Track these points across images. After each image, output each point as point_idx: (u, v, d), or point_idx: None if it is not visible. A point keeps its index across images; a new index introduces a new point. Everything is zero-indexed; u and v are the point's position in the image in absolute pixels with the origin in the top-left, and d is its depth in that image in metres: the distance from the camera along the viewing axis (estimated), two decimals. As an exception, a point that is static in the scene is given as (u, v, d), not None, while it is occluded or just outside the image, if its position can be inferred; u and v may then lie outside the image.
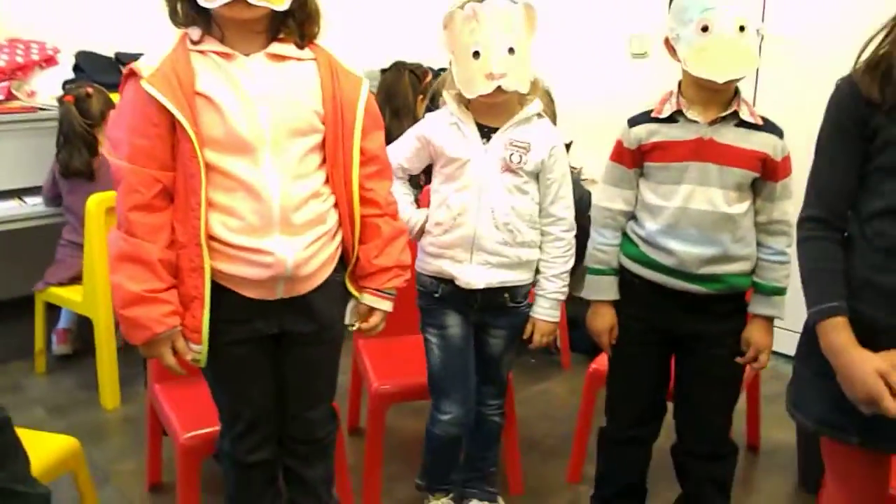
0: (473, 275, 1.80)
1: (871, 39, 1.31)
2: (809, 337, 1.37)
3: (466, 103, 1.79)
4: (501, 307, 1.86)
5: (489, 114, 1.78)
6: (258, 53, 1.47)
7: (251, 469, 1.68)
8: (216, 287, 1.48)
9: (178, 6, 1.44)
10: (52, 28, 3.30)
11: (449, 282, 1.84)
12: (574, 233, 1.90)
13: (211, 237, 1.46)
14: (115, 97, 3.17)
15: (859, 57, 1.32)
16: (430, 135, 1.83)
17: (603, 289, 1.84)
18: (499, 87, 1.67)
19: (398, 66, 3.17)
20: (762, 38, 1.63)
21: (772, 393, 2.52)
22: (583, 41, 3.65)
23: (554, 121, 2.99)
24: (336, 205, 1.57)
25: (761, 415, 2.50)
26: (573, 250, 1.90)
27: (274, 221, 1.46)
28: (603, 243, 1.82)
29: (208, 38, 1.46)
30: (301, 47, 1.51)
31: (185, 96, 1.41)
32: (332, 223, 1.57)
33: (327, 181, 1.55)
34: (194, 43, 1.45)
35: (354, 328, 1.68)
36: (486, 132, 1.79)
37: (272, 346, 1.61)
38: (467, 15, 1.69)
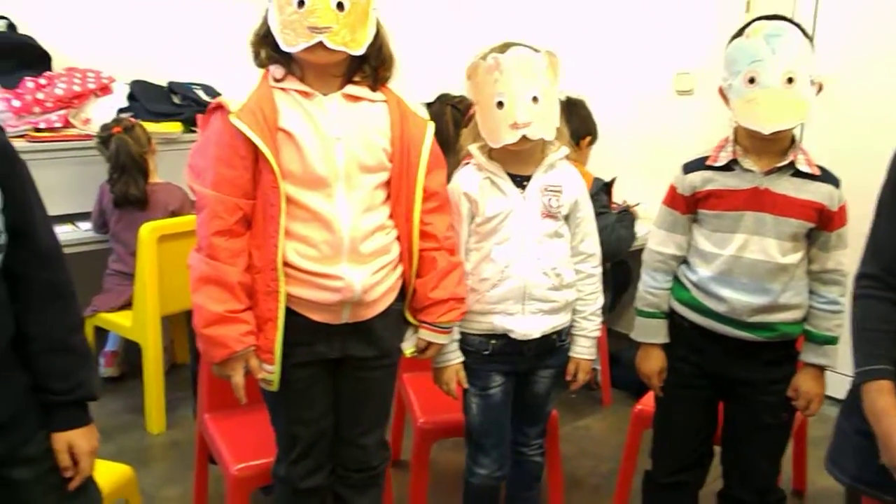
0: (529, 325, 1.79)
1: None
2: (854, 394, 1.37)
3: (492, 154, 1.79)
4: (551, 349, 1.87)
5: (517, 162, 1.78)
6: (335, 93, 1.56)
7: (304, 496, 1.71)
8: (286, 311, 1.56)
9: (262, 51, 1.56)
10: (108, 57, 3.39)
11: (500, 336, 1.81)
12: (601, 268, 1.91)
13: (286, 263, 1.54)
14: (167, 126, 3.28)
15: None
16: (467, 192, 1.79)
17: (653, 332, 1.84)
18: (524, 136, 1.68)
19: (441, 101, 3.21)
20: (820, 88, 1.63)
21: (819, 436, 2.48)
22: (629, 78, 3.67)
23: (594, 130, 3.00)
24: (398, 238, 1.65)
25: (808, 458, 2.46)
26: (602, 285, 1.91)
27: (343, 250, 1.55)
28: (654, 287, 1.82)
29: (290, 76, 1.55)
30: (374, 89, 1.60)
31: (269, 131, 1.50)
32: (394, 254, 1.65)
33: (391, 216, 1.63)
34: (277, 81, 1.55)
35: (409, 353, 1.73)
36: (519, 181, 1.79)
37: (332, 371, 1.67)
38: (490, 65, 1.70)
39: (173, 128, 3.30)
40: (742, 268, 1.69)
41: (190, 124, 3.32)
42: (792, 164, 1.65)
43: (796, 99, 1.58)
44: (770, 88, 1.57)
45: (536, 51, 1.72)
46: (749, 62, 1.59)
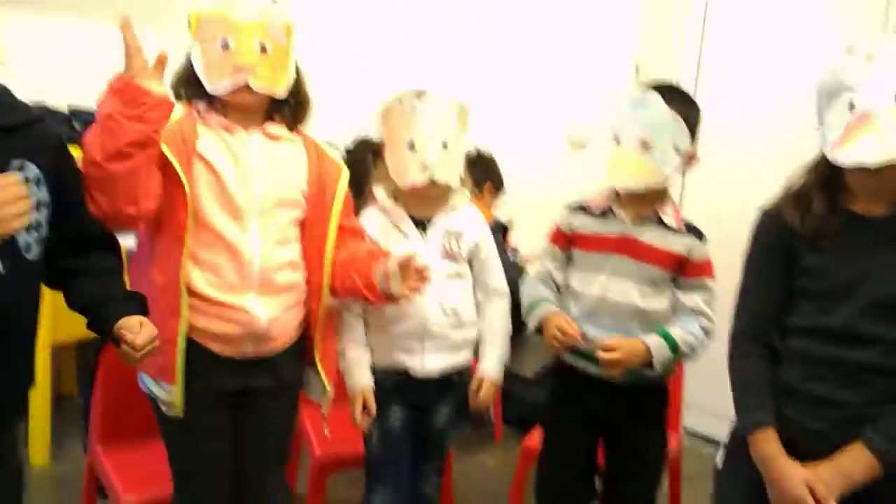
0: (428, 363, 1.86)
1: (798, 174, 1.46)
2: (738, 444, 1.49)
3: (396, 197, 1.87)
4: (450, 386, 1.94)
5: (421, 205, 1.87)
6: (256, 130, 1.62)
7: None
8: (187, 341, 1.56)
9: (182, 91, 1.60)
10: (9, 81, 3.31)
11: (401, 373, 1.87)
12: (508, 302, 1.99)
13: (190, 291, 1.55)
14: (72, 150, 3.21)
15: (786, 190, 1.47)
16: (370, 233, 1.86)
17: (545, 308, 1.85)
18: (432, 179, 1.77)
19: (362, 145, 3.28)
20: (690, 158, 1.76)
21: (694, 472, 2.64)
22: (531, 133, 3.83)
23: (500, 183, 3.18)
24: (307, 279, 1.68)
25: (682, 494, 2.61)
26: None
27: (253, 282, 1.58)
28: (535, 289, 1.90)
29: (211, 112, 1.60)
30: (291, 130, 1.67)
31: (186, 154, 1.53)
32: (301, 293, 1.68)
33: (303, 254, 1.68)
34: (199, 113, 1.59)
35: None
36: (421, 223, 1.88)
37: (233, 406, 1.67)
38: (405, 109, 1.80)
39: (75, 152, 3.23)
40: (606, 308, 1.79)
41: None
42: (658, 215, 1.78)
43: (648, 163, 1.72)
44: (626, 150, 1.73)
45: (449, 100, 1.83)
46: (614, 124, 1.75)
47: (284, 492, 1.85)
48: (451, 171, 1.82)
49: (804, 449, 1.39)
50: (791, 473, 1.37)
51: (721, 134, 3.06)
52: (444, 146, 1.80)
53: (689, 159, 1.78)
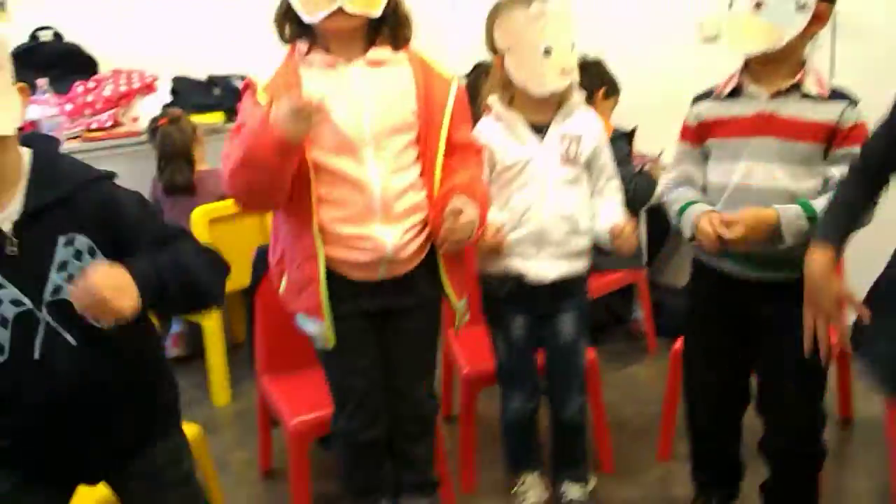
0: (543, 269, 1.86)
1: None
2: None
3: (511, 103, 1.85)
4: (566, 294, 1.93)
5: (537, 110, 1.84)
6: (359, 60, 1.64)
7: (363, 447, 1.81)
8: (327, 272, 1.65)
9: (286, 27, 1.65)
10: (150, 57, 3.54)
11: (514, 279, 1.88)
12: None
13: (321, 228, 1.63)
14: (210, 117, 3.42)
15: None
16: (487, 141, 1.85)
17: (698, 209, 1.71)
18: (570, 84, 1.77)
19: (478, 69, 3.28)
20: (812, 14, 1.59)
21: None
22: (652, 27, 3.65)
23: (615, 88, 3.05)
24: (428, 196, 1.71)
25: (853, 388, 2.49)
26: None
27: (376, 211, 1.63)
28: (677, 196, 1.78)
29: (315, 49, 1.64)
30: (396, 51, 1.67)
31: None
32: (425, 212, 1.71)
33: (421, 174, 1.70)
34: (303, 55, 1.64)
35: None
36: (538, 128, 1.85)
37: (377, 326, 1.76)
38: (534, 13, 1.76)
39: (216, 118, 3.45)
40: (751, 197, 1.65)
41: (231, 113, 3.47)
42: (798, 86, 1.64)
43: (764, 23, 1.60)
44: (740, 14, 1.63)
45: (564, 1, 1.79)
46: None
47: (437, 403, 1.92)
48: (577, 74, 1.81)
49: None
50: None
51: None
52: (573, 48, 1.78)
53: (817, 20, 1.60)
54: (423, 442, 1.91)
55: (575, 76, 1.80)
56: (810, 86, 1.64)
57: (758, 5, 1.61)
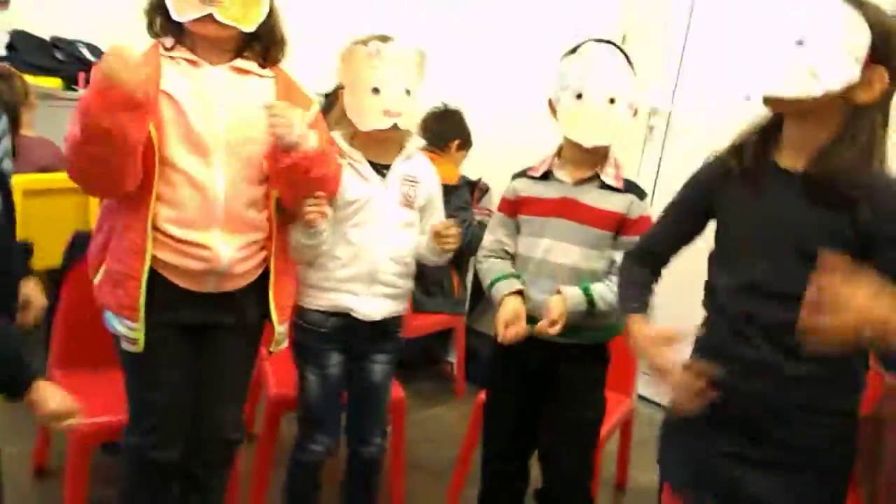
0: (371, 307, 1.88)
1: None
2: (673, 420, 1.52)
3: (352, 140, 1.87)
4: (386, 335, 1.96)
5: (378, 149, 1.88)
6: (223, 64, 1.61)
7: (153, 466, 1.71)
8: (151, 273, 1.57)
9: (156, 20, 1.59)
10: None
11: (340, 315, 1.89)
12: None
13: (156, 227, 1.56)
14: (46, 81, 3.20)
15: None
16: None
17: (506, 287, 1.81)
18: (395, 125, 1.80)
19: (340, 90, 3.28)
20: (635, 113, 1.80)
21: (645, 437, 2.69)
22: (504, 93, 3.79)
23: (468, 140, 3.17)
24: (268, 219, 1.68)
25: (630, 457, 2.67)
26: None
27: (217, 219, 1.58)
28: (490, 266, 1.88)
29: (180, 46, 1.59)
30: (263, 66, 1.65)
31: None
32: (264, 234, 1.68)
33: (267, 195, 1.67)
34: (167, 49, 1.59)
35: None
36: (378, 168, 1.89)
37: (194, 341, 1.69)
38: (370, 52, 1.80)
39: (52, 83, 3.23)
40: (548, 271, 1.79)
41: (71, 82, 3.26)
42: (598, 176, 1.79)
43: (615, 118, 1.75)
44: (593, 105, 1.73)
45: (411, 47, 1.84)
46: (577, 79, 1.75)
47: (242, 432, 1.86)
48: (412, 118, 1.86)
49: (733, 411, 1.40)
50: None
51: (705, 104, 3.10)
52: (407, 93, 1.82)
53: (634, 114, 1.79)
54: (223, 471, 1.85)
55: (406, 121, 1.82)
56: (608, 177, 1.79)
57: (612, 101, 1.73)
